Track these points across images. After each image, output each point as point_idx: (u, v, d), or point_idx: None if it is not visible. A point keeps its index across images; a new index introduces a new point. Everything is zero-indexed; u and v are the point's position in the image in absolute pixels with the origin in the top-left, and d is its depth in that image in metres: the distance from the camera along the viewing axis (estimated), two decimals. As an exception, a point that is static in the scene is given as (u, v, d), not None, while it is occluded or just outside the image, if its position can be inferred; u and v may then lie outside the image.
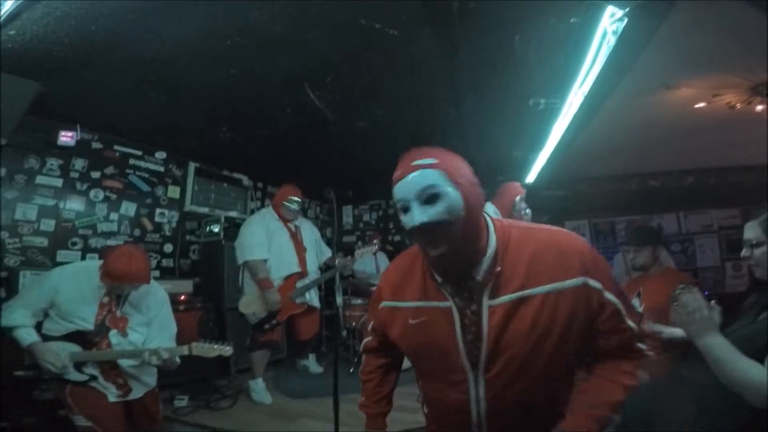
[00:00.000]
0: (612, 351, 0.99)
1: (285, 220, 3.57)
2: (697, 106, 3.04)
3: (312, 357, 4.14)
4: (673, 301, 1.29)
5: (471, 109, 3.20)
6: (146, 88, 2.75)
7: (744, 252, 1.27)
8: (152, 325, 2.25)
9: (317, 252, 3.77)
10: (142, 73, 2.56)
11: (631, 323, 0.96)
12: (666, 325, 1.75)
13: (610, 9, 1.68)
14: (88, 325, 2.10)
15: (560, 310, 0.90)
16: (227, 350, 2.17)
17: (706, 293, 2.20)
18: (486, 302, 0.92)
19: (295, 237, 3.60)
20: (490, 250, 0.93)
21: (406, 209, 0.90)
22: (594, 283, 0.92)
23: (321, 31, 2.19)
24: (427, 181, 0.87)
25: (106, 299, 2.15)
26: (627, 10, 1.60)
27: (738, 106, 2.97)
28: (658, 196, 5.28)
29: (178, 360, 2.14)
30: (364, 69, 2.64)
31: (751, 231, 1.24)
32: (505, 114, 3.39)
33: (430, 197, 0.86)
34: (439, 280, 0.98)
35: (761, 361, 1.07)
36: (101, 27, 2.02)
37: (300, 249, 3.58)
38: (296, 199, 3.54)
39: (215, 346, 2.15)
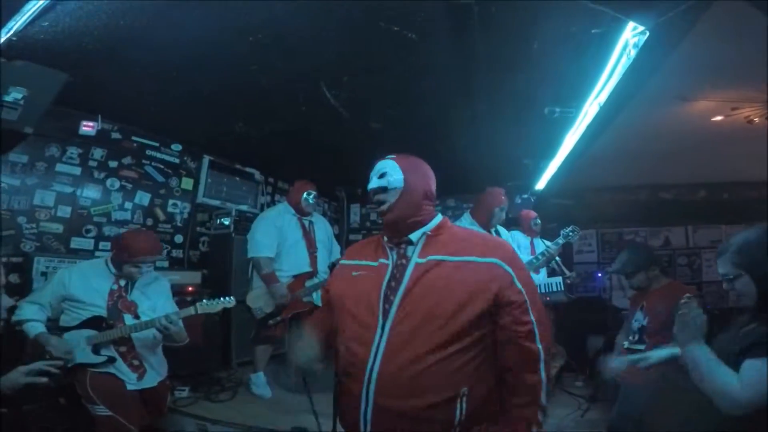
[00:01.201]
0: (511, 353, 1.07)
1: (301, 215, 3.57)
2: (714, 119, 3.03)
3: None
4: (677, 310, 1.32)
5: (484, 113, 3.21)
6: (167, 82, 2.79)
7: (725, 285, 1.30)
8: (157, 310, 2.35)
9: (329, 250, 3.76)
10: (164, 68, 2.60)
11: (533, 318, 1.08)
12: (670, 339, 1.75)
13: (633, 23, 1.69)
14: (102, 311, 2.22)
15: (470, 277, 1.09)
16: (230, 301, 2.30)
17: (708, 307, 2.20)
18: (414, 258, 1.17)
19: (308, 235, 3.59)
20: (429, 225, 1.22)
21: (370, 189, 1.27)
22: (507, 268, 1.11)
23: (340, 30, 2.22)
24: (382, 166, 1.27)
25: (115, 287, 2.29)
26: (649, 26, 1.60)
27: (756, 120, 2.95)
28: (668, 209, 5.25)
29: (183, 331, 2.28)
30: (380, 70, 2.66)
31: (723, 267, 1.28)
32: (518, 120, 3.39)
33: (381, 174, 1.24)
34: (386, 239, 1.25)
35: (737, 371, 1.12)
36: (129, 22, 2.07)
37: (312, 247, 3.57)
38: (313, 192, 3.55)
39: (219, 300, 2.28)
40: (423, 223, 1.22)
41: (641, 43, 1.78)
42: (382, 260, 1.21)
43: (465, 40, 2.14)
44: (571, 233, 3.53)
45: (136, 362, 2.25)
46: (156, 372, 2.33)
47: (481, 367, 1.07)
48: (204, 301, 2.28)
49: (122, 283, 2.32)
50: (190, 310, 2.24)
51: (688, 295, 1.38)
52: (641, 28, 1.66)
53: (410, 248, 1.20)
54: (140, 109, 3.35)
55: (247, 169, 4.90)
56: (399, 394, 1.01)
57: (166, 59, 2.50)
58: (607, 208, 5.46)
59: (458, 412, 1.01)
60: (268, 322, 3.33)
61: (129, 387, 2.19)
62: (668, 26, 1.64)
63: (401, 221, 1.20)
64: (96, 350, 2.15)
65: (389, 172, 1.23)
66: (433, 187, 1.29)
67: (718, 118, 3.00)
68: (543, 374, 1.06)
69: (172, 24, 2.12)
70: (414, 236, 1.20)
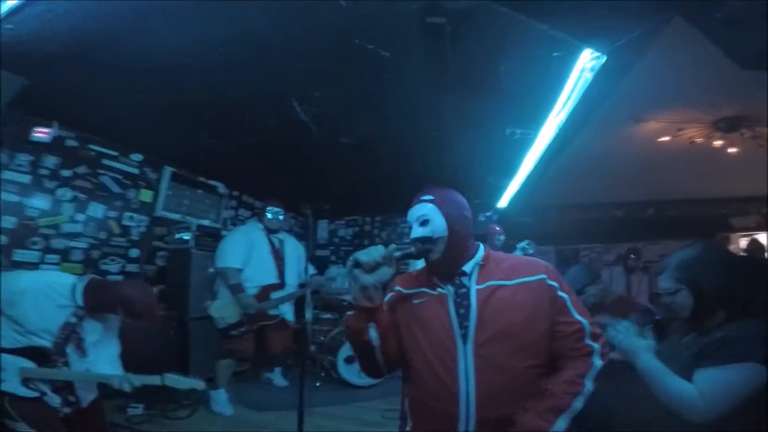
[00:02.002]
0: (564, 348, 1.18)
1: (269, 232, 3.66)
2: (661, 139, 3.26)
3: (278, 370, 4.07)
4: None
5: (452, 132, 3.32)
6: (134, 90, 2.72)
7: (666, 299, 1.38)
8: (101, 343, 2.14)
9: (299, 269, 3.71)
10: (132, 75, 2.53)
11: (579, 317, 1.19)
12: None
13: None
14: (46, 342, 1.96)
15: (528, 297, 1.19)
16: (201, 384, 2.07)
17: (657, 318, 2.35)
18: (474, 286, 1.23)
19: (276, 250, 3.67)
20: (478, 256, 1.28)
21: (410, 227, 1.30)
22: (551, 282, 1.22)
23: (314, 45, 2.25)
24: (423, 211, 1.27)
25: (73, 320, 2.02)
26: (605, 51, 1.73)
27: (699, 140, 3.21)
28: (620, 226, 5.57)
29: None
30: (352, 86, 2.71)
31: (665, 282, 1.36)
32: (483, 140, 3.53)
33: (423, 221, 1.26)
34: (436, 277, 1.29)
35: (686, 379, 1.18)
36: (101, 27, 2.02)
37: (280, 262, 3.64)
38: (279, 210, 3.68)
39: (189, 380, 2.05)
40: (471, 257, 1.28)
41: (597, 68, 1.91)
42: (440, 290, 1.26)
43: (436, 59, 2.23)
44: (526, 246, 3.70)
45: (71, 398, 2.02)
46: (87, 391, 2.10)
47: (547, 369, 1.19)
48: (172, 375, 2.04)
49: (80, 315, 2.04)
50: (156, 380, 2.01)
51: (633, 316, 1.48)
52: (598, 54, 1.79)
53: (464, 278, 1.25)
54: (102, 116, 3.22)
55: (211, 182, 4.78)
56: (498, 405, 1.11)
57: (133, 66, 2.43)
58: (565, 225, 5.72)
59: None
60: (230, 332, 3.28)
61: (58, 413, 1.97)
62: (622, 51, 1.78)
63: (452, 265, 1.25)
64: (25, 383, 1.90)
65: (432, 220, 1.24)
66: (471, 220, 1.32)
67: (665, 138, 3.23)
68: (597, 362, 1.16)
69: (142, 31, 2.08)
70: (467, 268, 1.26)
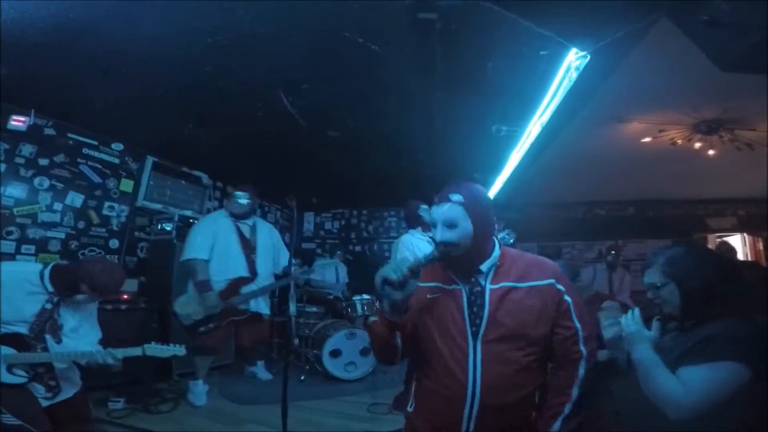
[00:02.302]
0: (559, 348, 1.27)
1: (236, 218, 3.37)
2: (643, 140, 3.33)
3: (261, 364, 3.98)
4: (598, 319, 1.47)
5: (440, 128, 3.32)
6: (115, 79, 2.64)
7: (651, 294, 1.40)
8: (80, 329, 2.15)
9: (273, 257, 3.54)
10: (114, 64, 2.46)
11: (577, 322, 1.27)
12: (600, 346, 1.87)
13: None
14: (23, 330, 1.99)
15: (537, 301, 1.24)
16: (181, 350, 2.12)
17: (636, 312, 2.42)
18: (488, 285, 1.26)
19: (245, 239, 3.38)
20: (494, 256, 1.30)
21: (434, 225, 1.28)
22: (559, 286, 1.28)
23: (304, 37, 2.22)
24: (452, 213, 1.24)
25: (48, 306, 2.05)
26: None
27: (679, 142, 3.28)
28: (601, 224, 5.68)
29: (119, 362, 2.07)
30: (341, 80, 2.68)
31: (652, 276, 1.38)
32: (470, 136, 3.55)
33: (451, 224, 1.23)
34: (452, 274, 1.30)
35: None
36: (81, 14, 1.96)
37: (249, 252, 3.36)
38: (243, 194, 3.37)
39: (169, 348, 2.10)
40: (488, 256, 1.29)
41: (582, 66, 1.94)
42: (455, 286, 1.28)
43: (426, 55, 2.22)
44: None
45: (52, 383, 2.04)
46: (70, 383, 2.13)
47: (545, 364, 1.30)
48: (153, 344, 2.10)
49: (55, 300, 2.07)
50: (137, 351, 2.05)
51: (608, 302, 1.52)
52: (583, 53, 1.81)
53: (480, 276, 1.28)
54: (82, 105, 3.13)
55: (195, 173, 4.70)
56: (500, 393, 1.20)
57: (116, 55, 2.36)
58: (548, 223, 5.81)
59: (536, 399, 1.28)
60: (198, 329, 3.12)
61: (42, 402, 1.99)
62: (607, 51, 1.81)
63: (471, 264, 1.27)
64: (10, 369, 1.93)
65: (460, 224, 1.23)
66: (494, 219, 1.33)
67: (647, 139, 3.30)
68: (581, 371, 1.26)
69: (125, 19, 2.03)
70: (484, 267, 1.28)
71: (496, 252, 1.31)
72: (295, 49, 2.32)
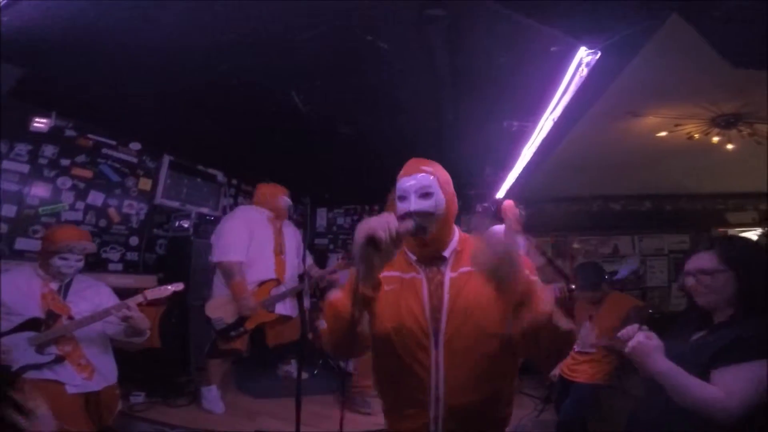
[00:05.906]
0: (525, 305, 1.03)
1: (274, 220, 3.36)
2: (659, 134, 3.26)
3: (294, 362, 3.87)
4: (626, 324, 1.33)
5: (450, 123, 3.32)
6: (133, 78, 2.71)
7: (689, 281, 1.29)
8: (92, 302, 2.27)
9: (299, 258, 3.41)
10: (131, 63, 2.52)
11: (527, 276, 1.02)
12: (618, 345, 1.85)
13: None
14: (37, 314, 2.10)
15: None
16: (179, 285, 2.36)
17: (650, 311, 2.41)
18: (448, 273, 1.17)
19: (277, 241, 3.37)
20: (455, 240, 1.22)
21: (403, 198, 1.18)
22: None
23: (316, 35, 2.23)
24: (425, 182, 1.16)
25: (45, 290, 2.18)
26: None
27: (696, 136, 3.21)
28: (617, 219, 5.59)
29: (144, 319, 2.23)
30: (352, 77, 2.71)
31: (707, 261, 1.27)
32: (481, 131, 3.53)
33: (424, 194, 1.15)
34: (414, 258, 1.22)
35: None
36: (100, 14, 2.01)
37: (279, 254, 3.36)
38: (287, 198, 3.37)
39: (167, 287, 2.32)
40: (451, 239, 1.21)
41: (593, 62, 1.92)
42: (414, 274, 1.19)
43: (435, 51, 2.23)
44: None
45: (83, 361, 2.14)
46: (102, 376, 2.22)
47: (506, 352, 1.13)
48: (151, 289, 2.30)
49: (54, 286, 2.21)
50: (138, 298, 2.19)
51: (635, 306, 1.43)
52: (593, 50, 1.80)
53: (442, 264, 1.19)
54: (100, 106, 3.22)
55: (210, 170, 4.79)
56: (465, 392, 1.11)
57: (132, 55, 2.42)
58: (562, 217, 5.73)
59: (507, 395, 1.19)
60: (229, 333, 3.06)
61: (71, 390, 2.07)
62: (618, 47, 1.79)
63: (437, 247, 1.19)
64: (40, 350, 2.03)
65: (434, 192, 1.15)
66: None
67: (663, 133, 3.23)
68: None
69: (142, 20, 2.08)
70: (446, 253, 1.19)
71: (457, 235, 1.23)
72: (307, 46, 2.33)
